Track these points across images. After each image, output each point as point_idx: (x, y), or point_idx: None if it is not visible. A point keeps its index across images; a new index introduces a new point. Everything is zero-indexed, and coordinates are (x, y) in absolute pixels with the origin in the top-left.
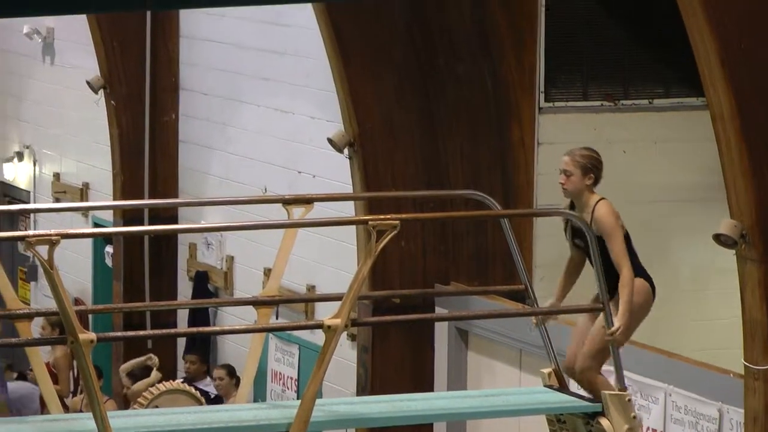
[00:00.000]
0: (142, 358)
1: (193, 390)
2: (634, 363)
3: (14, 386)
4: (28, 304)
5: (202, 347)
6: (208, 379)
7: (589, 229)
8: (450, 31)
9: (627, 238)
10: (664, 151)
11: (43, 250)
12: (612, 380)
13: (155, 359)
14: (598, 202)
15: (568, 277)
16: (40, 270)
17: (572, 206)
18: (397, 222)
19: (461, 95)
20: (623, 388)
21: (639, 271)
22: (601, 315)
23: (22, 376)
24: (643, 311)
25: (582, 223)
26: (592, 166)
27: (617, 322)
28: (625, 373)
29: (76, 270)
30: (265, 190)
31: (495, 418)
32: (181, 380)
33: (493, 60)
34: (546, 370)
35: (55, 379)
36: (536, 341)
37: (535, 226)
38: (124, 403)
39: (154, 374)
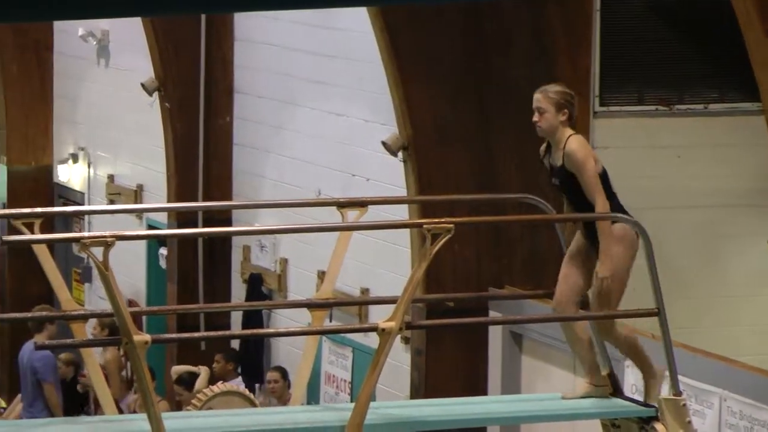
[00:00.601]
0: (191, 367)
1: (247, 392)
2: (688, 368)
3: None
4: (83, 306)
5: (256, 349)
6: (239, 378)
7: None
8: (505, 34)
9: (604, 176)
10: (719, 156)
11: (98, 251)
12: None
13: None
14: (569, 137)
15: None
16: (95, 271)
17: (548, 146)
18: (452, 225)
19: (515, 99)
20: (678, 393)
21: (620, 212)
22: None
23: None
24: (629, 256)
25: (635, 226)
26: (565, 102)
27: (600, 271)
28: (680, 378)
29: (130, 272)
30: (319, 192)
31: (549, 422)
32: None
33: (548, 64)
34: (601, 374)
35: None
36: None
37: None
38: (177, 407)
39: (204, 373)
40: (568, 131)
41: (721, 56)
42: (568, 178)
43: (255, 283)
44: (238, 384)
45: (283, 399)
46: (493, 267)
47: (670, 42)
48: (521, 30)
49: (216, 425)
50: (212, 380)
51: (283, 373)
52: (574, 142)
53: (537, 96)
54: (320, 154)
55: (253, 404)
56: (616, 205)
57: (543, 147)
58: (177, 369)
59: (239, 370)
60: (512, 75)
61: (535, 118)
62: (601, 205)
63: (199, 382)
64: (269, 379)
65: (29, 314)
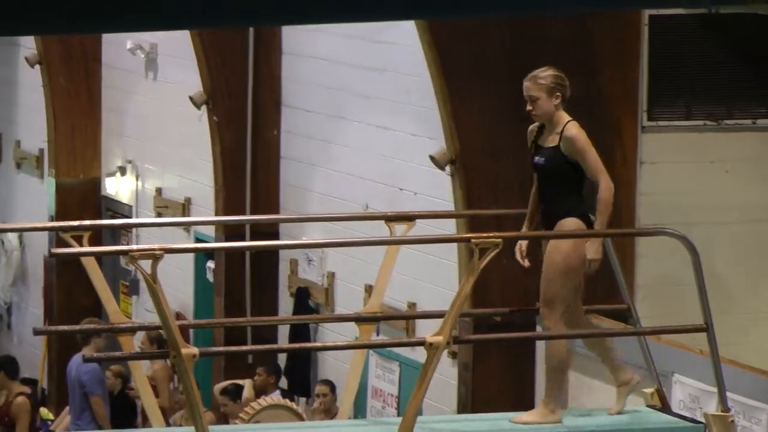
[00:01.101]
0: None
1: (294, 406)
2: (737, 384)
3: None
4: (130, 318)
5: (304, 363)
6: (278, 392)
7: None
8: (552, 48)
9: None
10: (767, 171)
11: (146, 264)
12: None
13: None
14: (567, 122)
15: (536, 202)
16: (142, 284)
17: (541, 128)
18: (500, 240)
19: None
20: (726, 409)
21: (579, 208)
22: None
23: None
24: (580, 254)
25: (683, 240)
26: (556, 85)
27: (589, 253)
28: (728, 394)
29: (177, 285)
30: (367, 206)
31: None
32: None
33: (596, 78)
34: (648, 390)
35: (155, 393)
36: (638, 361)
37: (637, 246)
38: (223, 420)
39: (248, 386)
40: (565, 115)
41: None
42: (558, 159)
43: (302, 297)
44: (277, 397)
45: (330, 412)
46: (540, 282)
47: (718, 56)
48: (568, 44)
49: None
50: (268, 399)
51: (332, 386)
52: (574, 128)
53: (526, 84)
54: (367, 168)
55: (300, 418)
56: (580, 207)
57: (534, 126)
58: (220, 387)
59: (278, 383)
60: None
61: (529, 106)
62: (605, 185)
63: (247, 392)
64: (318, 392)
65: (77, 327)
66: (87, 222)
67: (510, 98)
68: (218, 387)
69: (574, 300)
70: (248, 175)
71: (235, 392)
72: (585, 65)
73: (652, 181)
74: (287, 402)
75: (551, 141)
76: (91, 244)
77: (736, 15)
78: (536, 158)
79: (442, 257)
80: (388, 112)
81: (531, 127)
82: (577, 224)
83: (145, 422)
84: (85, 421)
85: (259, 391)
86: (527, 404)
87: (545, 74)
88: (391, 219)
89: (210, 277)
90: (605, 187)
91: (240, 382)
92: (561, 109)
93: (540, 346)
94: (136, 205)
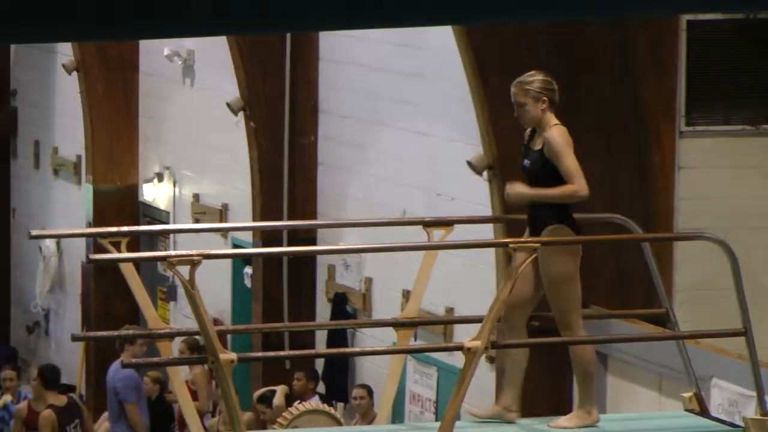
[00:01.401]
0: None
1: (332, 410)
2: None
3: None
4: (168, 324)
5: (340, 368)
6: (317, 397)
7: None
8: (590, 54)
9: None
10: None
11: (184, 270)
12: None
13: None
14: (553, 125)
15: None
16: (179, 290)
17: (533, 133)
18: (538, 245)
19: (601, 119)
20: (765, 413)
21: (566, 219)
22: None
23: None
24: (572, 261)
25: (722, 245)
26: (542, 91)
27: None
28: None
29: (215, 290)
30: (404, 212)
31: None
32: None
33: (633, 84)
34: (687, 394)
35: (195, 396)
36: (677, 365)
37: (676, 251)
38: (262, 426)
39: (280, 389)
40: (553, 119)
41: None
42: (541, 162)
43: (340, 302)
44: (315, 402)
45: (367, 417)
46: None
47: (755, 61)
48: (606, 50)
49: None
50: (291, 398)
51: (369, 390)
52: (555, 131)
53: (513, 90)
54: (405, 174)
55: (338, 423)
56: (566, 213)
57: (529, 130)
58: (257, 395)
59: (317, 389)
60: (597, 95)
61: (515, 113)
62: (577, 186)
63: (277, 399)
64: (355, 395)
65: (115, 333)
66: (125, 228)
67: None
68: (256, 394)
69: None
70: (285, 180)
71: (271, 399)
72: (623, 70)
73: (691, 186)
74: (325, 407)
75: (538, 144)
76: (128, 251)
77: None
78: (524, 161)
79: (480, 262)
80: (426, 117)
81: (528, 130)
82: (562, 231)
83: (183, 427)
84: (121, 427)
85: (298, 397)
86: (566, 408)
87: (532, 80)
88: (428, 224)
89: (247, 282)
90: (576, 186)
91: (275, 388)
92: (549, 113)
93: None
94: (173, 212)
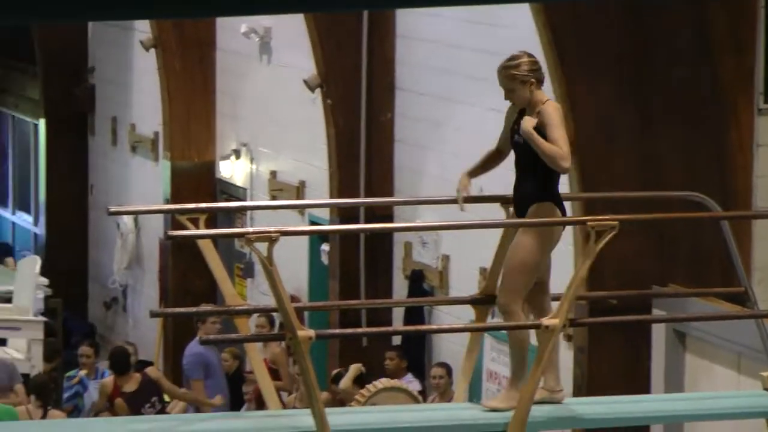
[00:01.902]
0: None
1: (410, 388)
2: None
3: None
4: (245, 301)
5: (418, 344)
6: (410, 375)
7: None
8: (668, 32)
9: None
10: None
11: (262, 247)
12: None
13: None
14: (546, 101)
15: (491, 162)
16: (257, 267)
17: (522, 111)
18: (617, 222)
19: (678, 97)
20: None
21: (552, 196)
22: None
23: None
24: (545, 241)
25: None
26: (528, 72)
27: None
28: None
29: (292, 267)
30: (481, 189)
31: (713, 421)
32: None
33: (711, 62)
34: (765, 373)
35: (276, 376)
36: (756, 344)
37: (754, 229)
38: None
39: (353, 367)
40: (543, 96)
41: None
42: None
43: (416, 280)
44: (409, 382)
45: (446, 396)
46: (656, 265)
47: None
48: (684, 28)
49: (379, 421)
50: (368, 378)
51: (448, 369)
52: (550, 105)
53: (499, 77)
54: (481, 151)
55: (416, 400)
56: (553, 191)
57: (514, 108)
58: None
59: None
60: (675, 73)
61: (506, 97)
62: (560, 150)
63: (344, 381)
64: (434, 374)
65: (193, 309)
66: (203, 204)
67: (625, 80)
68: (333, 373)
69: (539, 283)
70: (362, 157)
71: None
72: (700, 48)
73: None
74: (403, 384)
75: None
76: (206, 227)
77: None
78: (516, 137)
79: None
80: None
81: (510, 108)
82: (549, 209)
83: (261, 404)
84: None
85: (391, 377)
86: (642, 386)
87: (516, 63)
88: (506, 201)
89: (324, 260)
90: (563, 152)
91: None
92: (537, 90)
93: (656, 329)
94: (250, 188)
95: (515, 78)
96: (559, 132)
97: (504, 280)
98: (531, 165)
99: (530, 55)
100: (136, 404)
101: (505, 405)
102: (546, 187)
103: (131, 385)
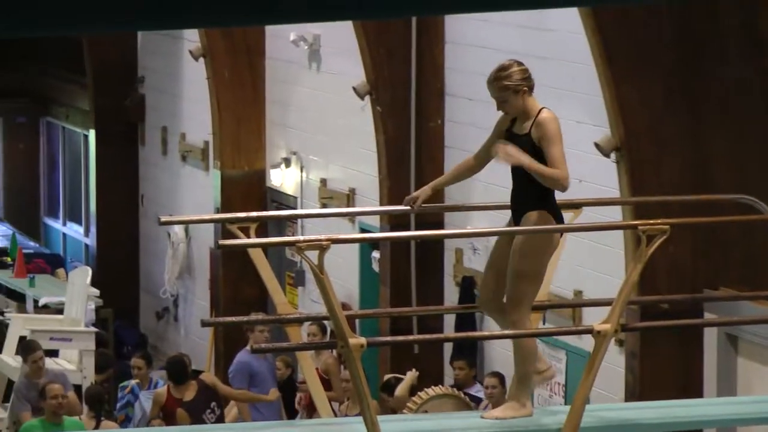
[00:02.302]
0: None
1: (461, 394)
2: None
3: None
4: (296, 309)
5: (470, 353)
6: (478, 385)
7: None
8: (717, 34)
9: None
10: None
11: (313, 255)
12: None
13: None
14: (541, 109)
15: (464, 171)
16: (308, 275)
17: (513, 120)
18: (668, 227)
19: (728, 99)
20: None
21: (546, 200)
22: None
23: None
24: (547, 249)
25: None
26: (519, 81)
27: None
28: None
29: (343, 275)
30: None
31: (766, 425)
32: (450, 386)
33: (762, 63)
34: None
35: (328, 386)
36: None
37: None
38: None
39: (410, 374)
40: (536, 103)
41: None
42: (530, 145)
43: (468, 286)
44: (477, 391)
45: (499, 404)
46: (708, 268)
47: None
48: (734, 30)
49: (431, 428)
50: (419, 385)
51: (501, 379)
52: (547, 113)
53: (490, 89)
54: (455, 163)
55: (468, 407)
56: (551, 201)
57: (506, 116)
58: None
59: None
60: (725, 75)
61: (498, 107)
62: (560, 173)
63: (400, 388)
64: (487, 384)
65: (244, 318)
66: (254, 213)
67: (674, 84)
68: (384, 378)
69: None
70: (412, 164)
71: (395, 387)
72: (750, 52)
73: None
74: (455, 391)
75: (524, 129)
76: (257, 236)
77: None
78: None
79: (609, 245)
80: (553, 99)
81: (501, 117)
82: (545, 218)
83: (312, 411)
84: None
85: (460, 387)
86: (694, 390)
87: (507, 74)
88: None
89: (375, 267)
90: (564, 173)
91: (401, 376)
92: (529, 97)
93: (708, 332)
94: (300, 197)
95: (508, 88)
96: (557, 149)
97: (512, 293)
98: (525, 174)
99: (520, 64)
100: (196, 412)
101: (510, 414)
102: (544, 196)
103: (189, 393)
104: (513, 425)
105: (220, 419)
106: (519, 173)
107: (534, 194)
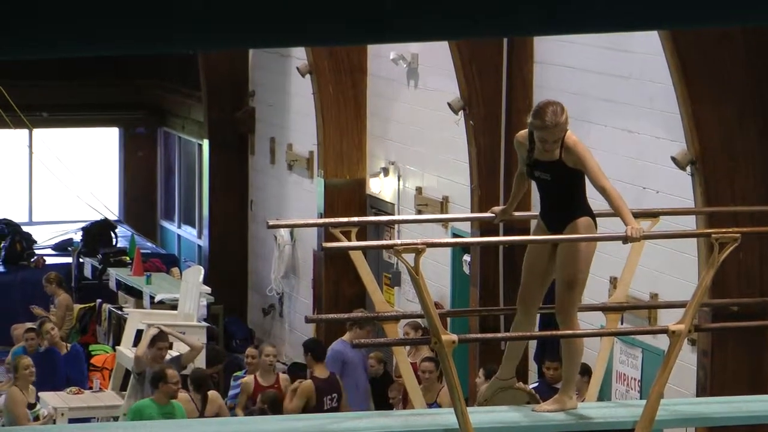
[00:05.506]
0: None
1: (528, 388)
2: None
3: None
4: (393, 307)
5: (556, 351)
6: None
7: None
8: None
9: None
10: None
11: (409, 257)
12: None
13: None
14: (566, 133)
15: (521, 191)
16: (403, 276)
17: (531, 139)
18: (739, 235)
19: None
20: None
21: (588, 209)
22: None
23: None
24: (592, 252)
25: None
26: (565, 121)
27: (628, 224)
28: None
29: (436, 277)
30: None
31: None
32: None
33: None
34: None
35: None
36: None
37: None
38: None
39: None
40: None
41: None
42: (563, 171)
43: (551, 287)
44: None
45: (580, 395)
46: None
47: None
48: None
49: (515, 420)
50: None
51: (585, 368)
52: (573, 136)
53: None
54: (613, 169)
55: (536, 400)
56: (588, 206)
57: (523, 137)
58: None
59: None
60: None
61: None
62: (610, 188)
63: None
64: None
65: (345, 315)
66: (355, 218)
67: (747, 103)
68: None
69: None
70: (502, 174)
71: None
72: None
73: None
74: (521, 384)
75: (553, 156)
76: (357, 239)
77: None
78: (537, 173)
79: (683, 251)
80: (633, 116)
81: (521, 136)
82: (589, 223)
83: (407, 403)
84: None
85: (551, 383)
86: (762, 387)
87: (562, 119)
88: (636, 216)
89: (466, 269)
90: (612, 191)
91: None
92: None
93: None
94: (398, 203)
95: (563, 130)
96: (594, 162)
97: (563, 299)
98: (563, 195)
99: (557, 104)
100: (322, 392)
101: (558, 407)
102: (584, 203)
103: (323, 372)
104: (593, 418)
105: (336, 409)
106: (560, 193)
107: (577, 203)
